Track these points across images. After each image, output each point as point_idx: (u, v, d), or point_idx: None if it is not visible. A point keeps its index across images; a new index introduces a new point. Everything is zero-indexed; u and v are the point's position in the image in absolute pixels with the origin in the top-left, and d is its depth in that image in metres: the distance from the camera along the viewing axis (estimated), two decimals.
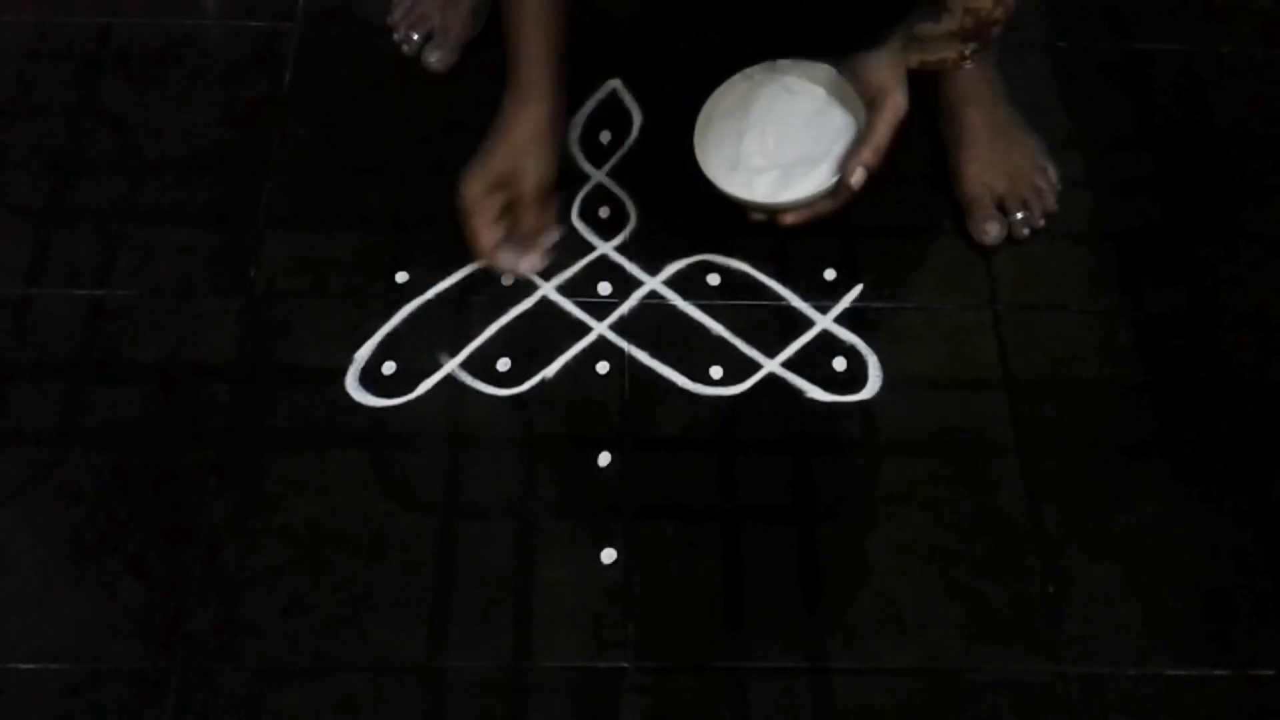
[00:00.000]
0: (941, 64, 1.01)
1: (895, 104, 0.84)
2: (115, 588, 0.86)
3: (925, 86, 1.06)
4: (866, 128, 0.85)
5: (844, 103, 0.88)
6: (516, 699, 0.83)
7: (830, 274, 1.02)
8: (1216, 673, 0.86)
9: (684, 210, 1.03)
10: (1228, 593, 0.89)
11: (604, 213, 1.05)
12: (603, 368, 0.97)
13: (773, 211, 0.89)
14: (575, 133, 1.09)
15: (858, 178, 0.84)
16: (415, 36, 1.13)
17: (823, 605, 0.88)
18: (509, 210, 0.95)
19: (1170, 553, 0.91)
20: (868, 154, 0.84)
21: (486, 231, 0.94)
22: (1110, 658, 0.86)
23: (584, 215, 1.04)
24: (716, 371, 0.97)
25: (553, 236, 0.97)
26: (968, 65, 1.01)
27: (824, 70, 0.88)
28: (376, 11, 1.15)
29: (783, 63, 0.90)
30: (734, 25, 0.85)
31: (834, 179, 0.86)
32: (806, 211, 0.88)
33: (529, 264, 0.96)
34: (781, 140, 0.90)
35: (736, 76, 0.92)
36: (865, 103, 0.85)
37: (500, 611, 0.87)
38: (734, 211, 0.96)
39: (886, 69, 0.84)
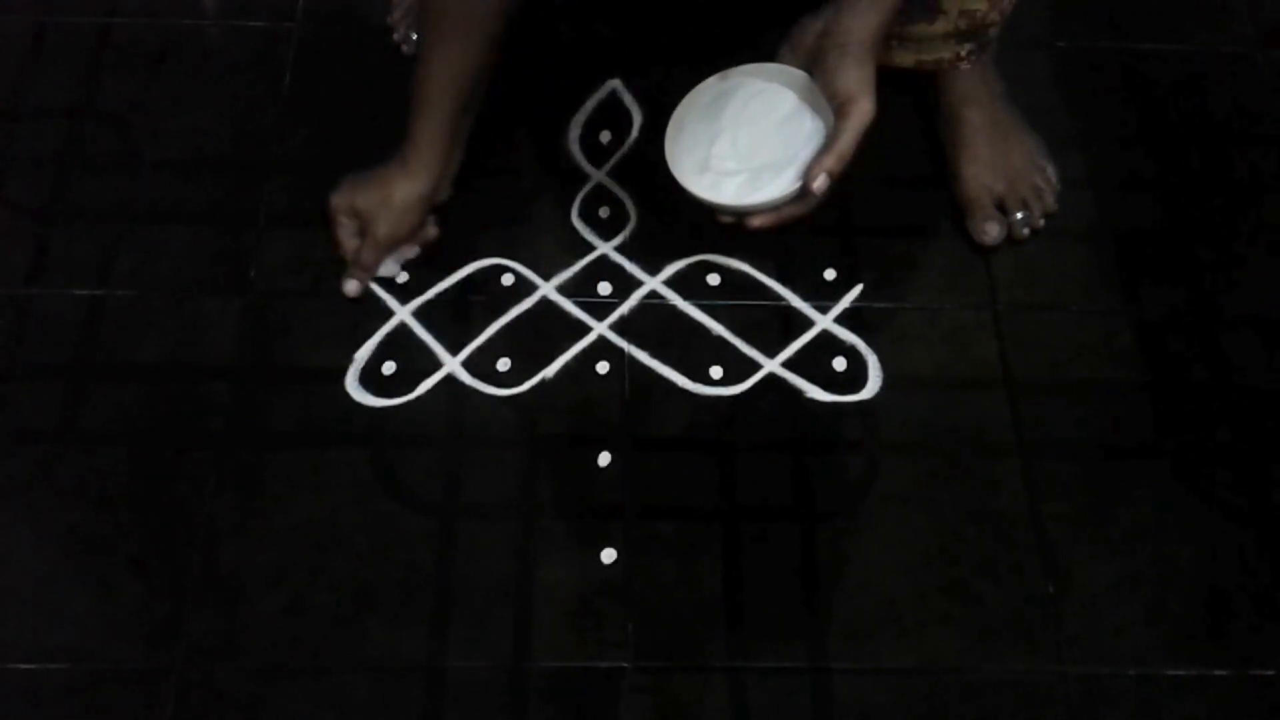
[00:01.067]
0: (938, 64, 1.01)
1: (862, 111, 0.83)
2: (115, 588, 0.86)
3: (924, 87, 1.06)
4: (832, 134, 0.84)
5: (815, 108, 0.88)
6: (516, 699, 0.83)
7: (830, 274, 1.02)
8: (1216, 673, 0.86)
9: (684, 210, 1.03)
10: (1228, 593, 0.90)
11: (604, 213, 1.05)
12: (603, 368, 0.97)
13: (740, 214, 0.89)
14: (575, 133, 1.09)
15: (820, 183, 0.84)
16: (415, 36, 1.13)
17: (823, 605, 0.88)
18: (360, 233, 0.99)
19: (1170, 553, 0.91)
20: (830, 160, 0.83)
21: (346, 241, 0.99)
22: (1110, 658, 0.86)
23: (584, 215, 1.04)
24: (716, 371, 0.97)
25: (406, 254, 1.01)
26: (965, 66, 1.01)
27: (797, 75, 0.88)
28: (376, 11, 1.15)
29: (756, 66, 0.90)
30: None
31: (799, 184, 0.85)
32: (773, 215, 0.87)
33: (351, 289, 0.99)
34: (752, 144, 0.90)
35: (710, 79, 0.92)
36: (833, 109, 0.85)
37: (500, 611, 0.87)
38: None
39: (855, 76, 0.84)
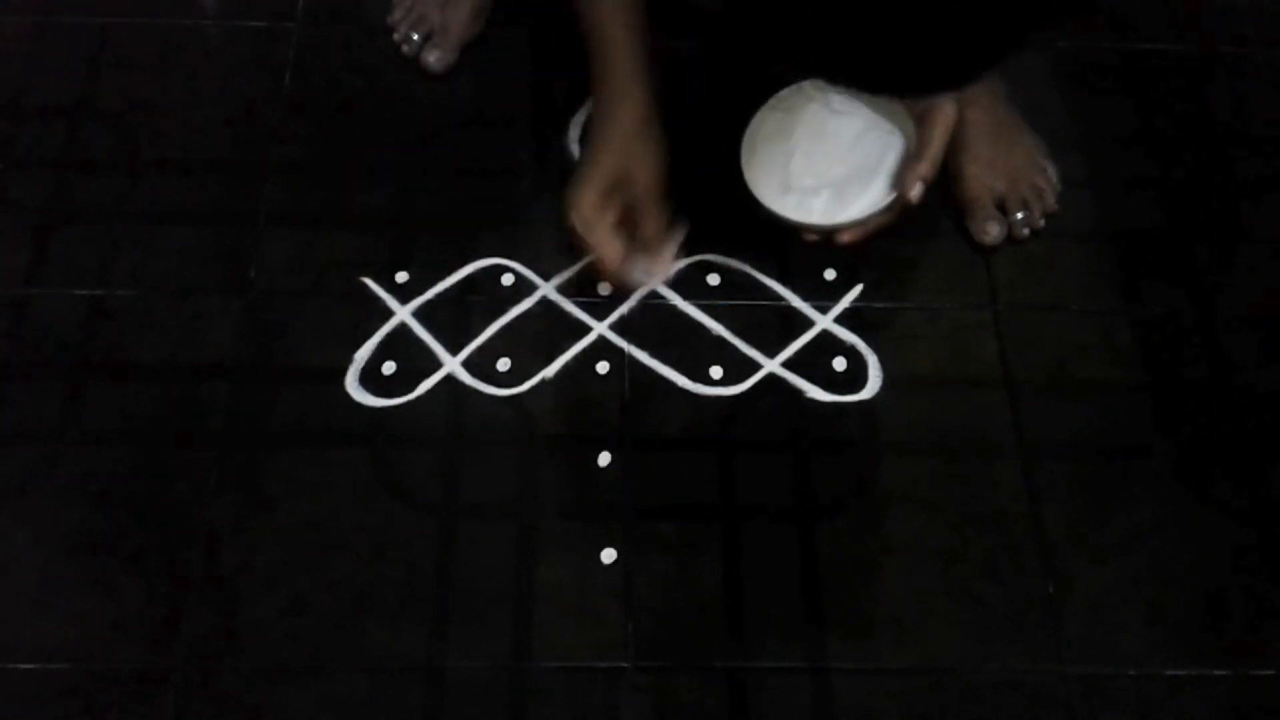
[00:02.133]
0: None
1: (946, 115, 0.83)
2: (115, 588, 0.86)
3: None
4: (919, 141, 0.84)
5: (889, 116, 0.87)
6: (516, 699, 0.83)
7: (830, 274, 1.02)
8: (1216, 673, 0.86)
9: (684, 210, 1.02)
10: (1228, 593, 0.89)
11: None
12: (603, 368, 0.97)
13: (829, 232, 0.88)
14: (575, 132, 1.09)
15: (917, 191, 0.83)
16: (415, 36, 1.13)
17: (823, 605, 0.88)
18: (626, 218, 0.89)
19: (1170, 553, 0.91)
20: (924, 167, 0.83)
21: (610, 245, 0.87)
22: (1110, 658, 0.86)
23: None
24: (716, 371, 0.97)
25: (678, 237, 0.91)
26: None
27: None
28: (376, 11, 1.15)
29: (819, 81, 0.89)
30: (805, 59, 0.79)
31: (891, 195, 0.85)
32: (862, 229, 0.87)
33: (660, 272, 0.90)
34: (830, 159, 0.89)
35: (773, 99, 0.91)
36: (914, 116, 0.84)
37: (500, 611, 0.87)
38: (735, 212, 0.96)
39: None
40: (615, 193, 0.88)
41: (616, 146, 0.87)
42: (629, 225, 0.89)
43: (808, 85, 0.90)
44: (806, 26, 0.61)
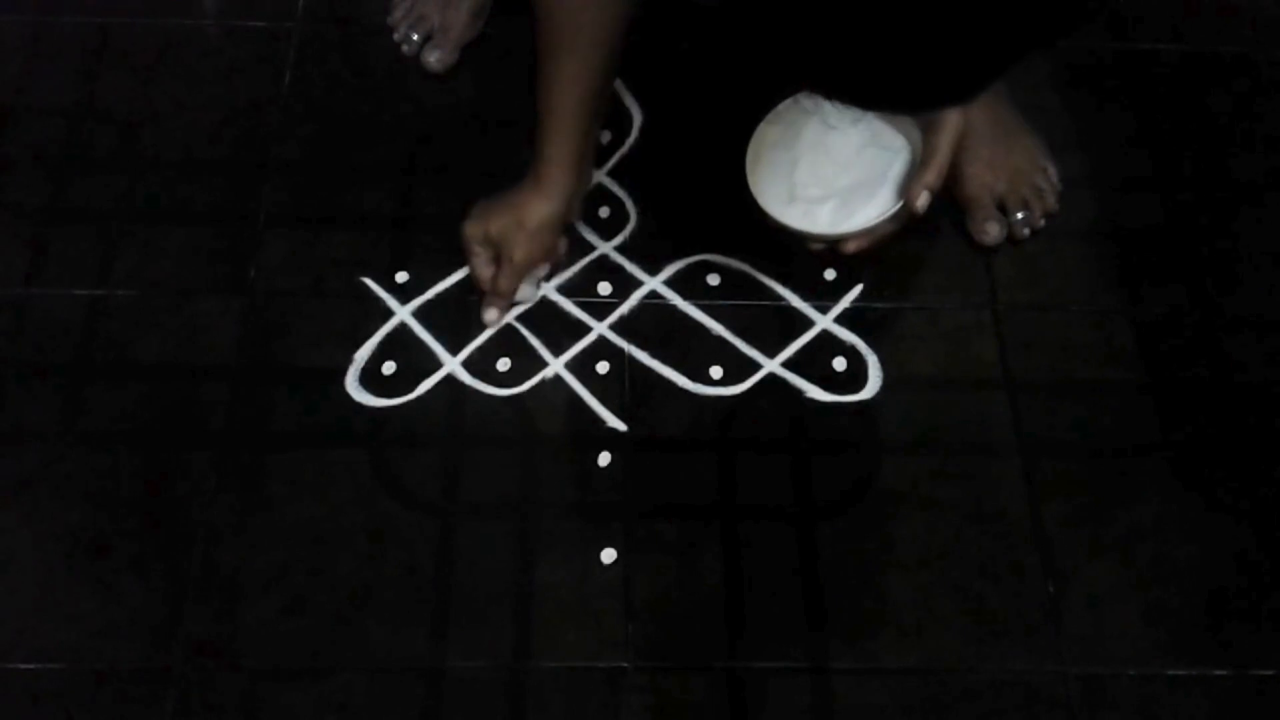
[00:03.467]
0: None
1: (953, 123, 0.82)
2: (115, 588, 0.86)
3: None
4: (926, 149, 0.83)
5: (894, 124, 0.87)
6: (516, 699, 0.83)
7: (830, 274, 1.02)
8: (1216, 673, 0.86)
9: (684, 210, 1.03)
10: (1228, 593, 0.90)
11: (604, 213, 1.05)
12: (603, 368, 0.97)
13: (835, 241, 0.88)
14: None
15: (923, 200, 0.83)
16: (415, 36, 1.13)
17: (823, 605, 0.88)
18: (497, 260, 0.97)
19: (1170, 553, 0.91)
20: (931, 176, 0.82)
21: (482, 270, 0.97)
22: (1110, 658, 0.86)
23: (584, 215, 1.04)
24: (716, 371, 0.97)
25: (538, 274, 0.99)
26: None
27: None
28: (376, 11, 1.15)
29: None
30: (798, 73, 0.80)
31: (898, 204, 0.84)
32: (868, 237, 0.87)
33: (491, 317, 0.98)
34: (835, 168, 0.89)
35: (781, 106, 0.91)
36: (920, 124, 0.84)
37: (500, 611, 0.87)
38: (735, 213, 0.95)
39: None
40: (493, 244, 0.96)
41: (514, 221, 0.94)
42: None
43: (804, 95, 0.90)
44: (802, 38, 0.61)
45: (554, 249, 0.98)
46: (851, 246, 0.87)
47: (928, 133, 0.83)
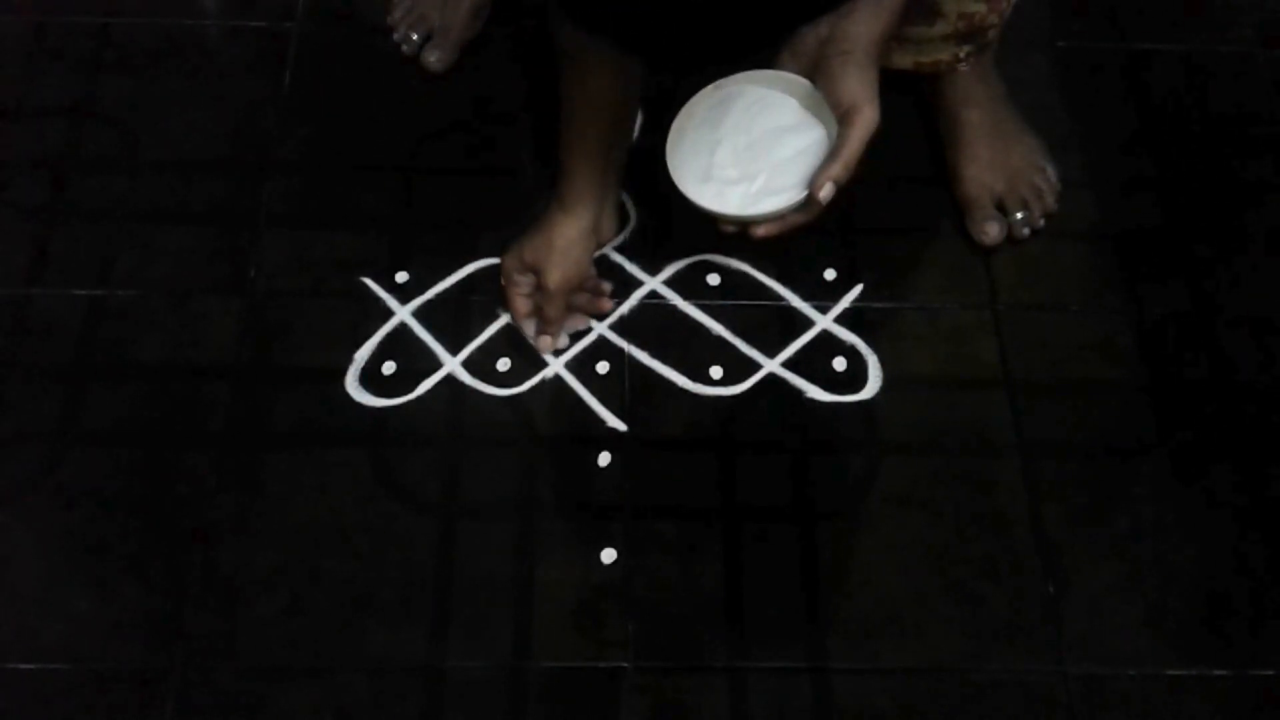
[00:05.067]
0: (937, 66, 1.01)
1: (866, 119, 0.83)
2: (115, 588, 0.86)
3: (923, 87, 1.06)
4: (837, 142, 0.84)
5: (819, 115, 0.87)
6: (516, 699, 0.83)
7: (830, 274, 1.02)
8: (1216, 673, 0.86)
9: (684, 210, 1.02)
10: (1228, 593, 0.89)
11: None
12: (603, 368, 0.97)
13: (744, 223, 0.88)
14: None
15: (826, 192, 0.83)
16: (415, 36, 1.13)
17: (823, 605, 0.88)
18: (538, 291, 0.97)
19: (1170, 553, 0.91)
20: (837, 169, 0.83)
21: (519, 302, 0.97)
22: (1110, 658, 0.86)
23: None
24: (716, 371, 0.97)
25: (575, 326, 0.99)
26: (963, 67, 1.02)
27: (799, 82, 0.87)
28: (376, 11, 1.16)
29: (757, 73, 0.89)
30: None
31: (804, 193, 0.85)
32: (778, 224, 0.87)
33: (544, 344, 0.97)
34: (755, 152, 0.89)
35: (709, 87, 0.91)
36: (837, 116, 0.84)
37: (500, 611, 0.87)
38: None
39: (859, 83, 0.83)
40: (531, 272, 0.96)
41: (544, 245, 0.95)
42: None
43: (742, 77, 0.90)
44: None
45: (585, 268, 0.98)
46: (761, 232, 0.87)
47: (841, 125, 0.83)
